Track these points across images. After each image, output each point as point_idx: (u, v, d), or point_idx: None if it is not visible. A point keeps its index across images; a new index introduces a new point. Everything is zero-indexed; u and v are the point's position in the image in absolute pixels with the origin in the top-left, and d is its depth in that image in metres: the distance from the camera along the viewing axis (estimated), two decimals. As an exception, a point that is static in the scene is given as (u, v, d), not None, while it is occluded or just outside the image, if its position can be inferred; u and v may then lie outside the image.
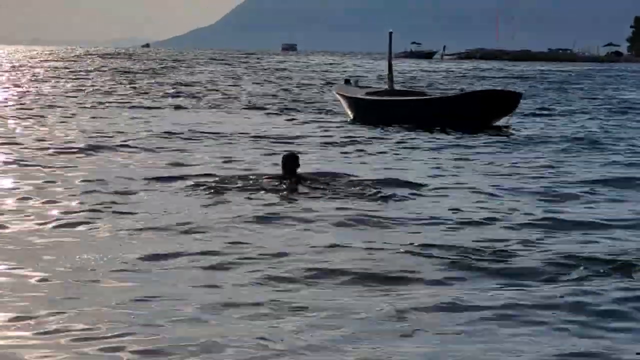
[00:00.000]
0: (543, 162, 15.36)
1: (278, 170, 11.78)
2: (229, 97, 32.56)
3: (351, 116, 24.29)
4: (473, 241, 8.66)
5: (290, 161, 11.43)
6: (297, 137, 19.08)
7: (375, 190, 11.22)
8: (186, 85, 40.60)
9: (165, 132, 18.89)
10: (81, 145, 16.03)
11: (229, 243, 8.41)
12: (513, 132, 21.19)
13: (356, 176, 12.35)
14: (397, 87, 26.96)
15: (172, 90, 35.49)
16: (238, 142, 17.66)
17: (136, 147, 16.20)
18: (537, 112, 28.25)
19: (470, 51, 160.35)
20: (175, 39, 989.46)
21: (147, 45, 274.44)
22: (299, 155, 12.01)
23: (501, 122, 22.32)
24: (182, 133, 18.81)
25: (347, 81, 27.12)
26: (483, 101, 21.97)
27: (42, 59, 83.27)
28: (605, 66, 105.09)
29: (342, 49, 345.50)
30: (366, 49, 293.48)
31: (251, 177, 11.80)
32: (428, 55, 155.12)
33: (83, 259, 7.64)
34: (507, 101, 22.36)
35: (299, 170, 11.50)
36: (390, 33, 26.41)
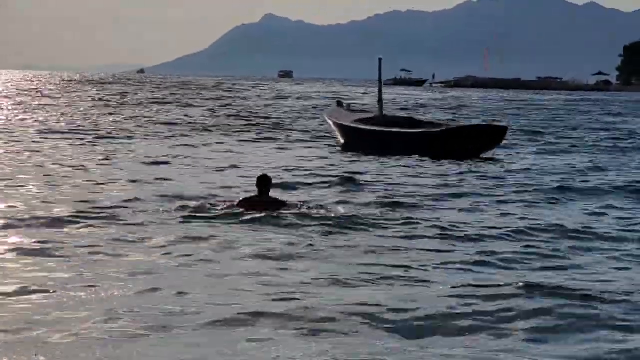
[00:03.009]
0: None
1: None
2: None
3: (342, 142, 24.40)
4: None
5: (263, 182, 12.04)
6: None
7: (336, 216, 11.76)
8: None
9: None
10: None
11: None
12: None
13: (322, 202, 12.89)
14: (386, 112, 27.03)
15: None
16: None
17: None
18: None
19: (459, 79, 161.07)
20: (165, 65, 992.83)
21: (142, 71, 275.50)
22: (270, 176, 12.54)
23: (487, 154, 22.55)
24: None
25: (339, 103, 27.10)
26: (469, 136, 22.46)
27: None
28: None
29: (333, 75, 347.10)
30: (358, 76, 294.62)
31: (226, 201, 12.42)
32: (418, 83, 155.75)
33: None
34: (493, 135, 22.86)
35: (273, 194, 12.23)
36: (380, 59, 26.48)
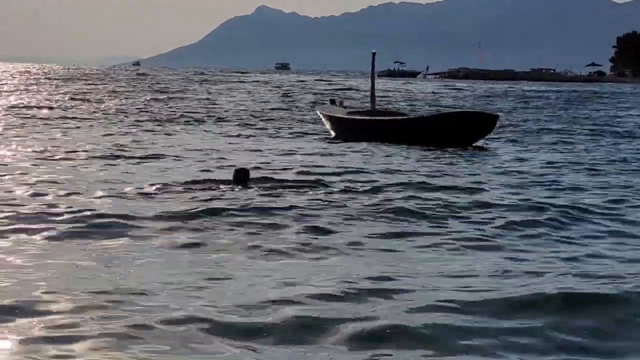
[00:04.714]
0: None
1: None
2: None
3: (333, 134, 24.39)
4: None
5: (241, 176, 12.68)
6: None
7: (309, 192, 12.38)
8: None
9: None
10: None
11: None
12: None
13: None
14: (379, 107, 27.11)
15: None
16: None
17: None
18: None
19: (453, 70, 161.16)
20: (159, 57, 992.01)
21: (138, 63, 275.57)
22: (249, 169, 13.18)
23: (478, 143, 22.38)
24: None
25: (332, 101, 27.18)
26: (458, 123, 22.08)
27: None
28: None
29: (326, 68, 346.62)
30: (352, 68, 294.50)
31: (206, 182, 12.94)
32: (411, 75, 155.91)
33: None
34: (483, 123, 22.45)
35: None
36: (374, 54, 26.46)
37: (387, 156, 19.19)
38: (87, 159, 16.70)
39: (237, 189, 12.28)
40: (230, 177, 12.99)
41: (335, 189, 12.78)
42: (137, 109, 35.41)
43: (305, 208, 10.95)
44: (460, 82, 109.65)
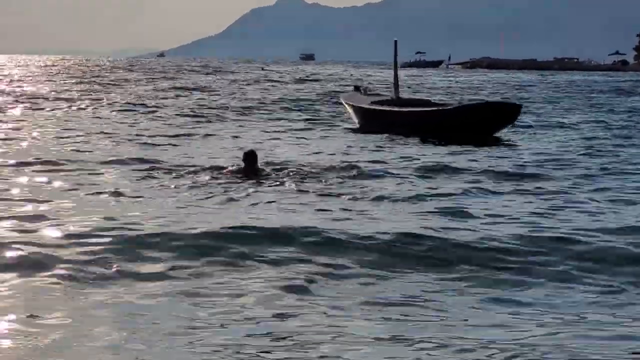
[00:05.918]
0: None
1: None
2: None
3: (357, 124, 24.58)
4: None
5: (250, 157, 13.29)
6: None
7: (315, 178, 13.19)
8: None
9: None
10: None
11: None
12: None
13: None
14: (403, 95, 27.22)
15: None
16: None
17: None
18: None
19: (475, 60, 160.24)
20: (181, 48, 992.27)
21: (162, 55, 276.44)
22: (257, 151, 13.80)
23: (500, 132, 22.63)
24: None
25: (356, 88, 27.29)
26: (484, 113, 22.32)
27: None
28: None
29: (351, 58, 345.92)
30: (374, 58, 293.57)
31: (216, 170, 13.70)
32: (435, 64, 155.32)
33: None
34: (507, 113, 22.74)
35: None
36: (396, 41, 26.57)
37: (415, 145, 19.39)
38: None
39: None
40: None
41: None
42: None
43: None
44: (490, 72, 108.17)
